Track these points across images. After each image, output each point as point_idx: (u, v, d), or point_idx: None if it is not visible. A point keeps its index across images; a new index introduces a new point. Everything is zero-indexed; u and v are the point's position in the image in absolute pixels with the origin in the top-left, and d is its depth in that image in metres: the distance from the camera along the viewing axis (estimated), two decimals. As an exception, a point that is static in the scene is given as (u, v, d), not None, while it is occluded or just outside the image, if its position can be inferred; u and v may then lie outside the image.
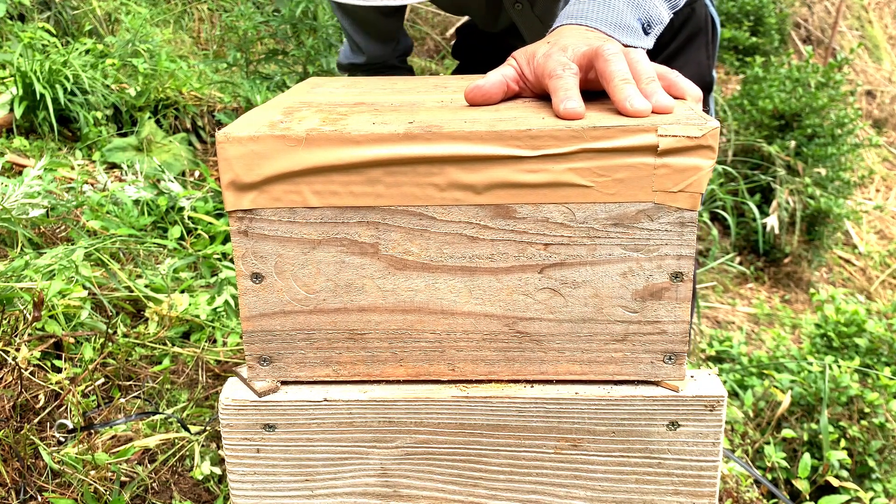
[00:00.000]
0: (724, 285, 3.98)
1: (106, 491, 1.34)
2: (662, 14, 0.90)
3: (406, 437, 0.73)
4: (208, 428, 1.48)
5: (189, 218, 2.32)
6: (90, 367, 1.55)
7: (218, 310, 1.86)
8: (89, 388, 1.53)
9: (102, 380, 1.59)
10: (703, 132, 0.64)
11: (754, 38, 5.85)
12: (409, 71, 1.67)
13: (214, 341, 1.81)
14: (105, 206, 2.29)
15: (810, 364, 2.55)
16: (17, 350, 1.49)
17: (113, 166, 2.72)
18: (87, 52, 3.20)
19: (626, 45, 0.80)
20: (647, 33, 0.87)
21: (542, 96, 0.80)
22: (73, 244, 1.98)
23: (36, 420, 1.45)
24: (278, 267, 0.69)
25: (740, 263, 4.22)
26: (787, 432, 2.24)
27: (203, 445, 1.49)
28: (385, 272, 0.69)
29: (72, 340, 1.64)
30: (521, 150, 0.65)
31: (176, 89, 3.14)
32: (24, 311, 1.60)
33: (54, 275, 1.76)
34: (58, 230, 2.13)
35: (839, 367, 2.54)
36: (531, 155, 0.65)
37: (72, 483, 1.35)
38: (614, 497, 0.74)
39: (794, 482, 1.95)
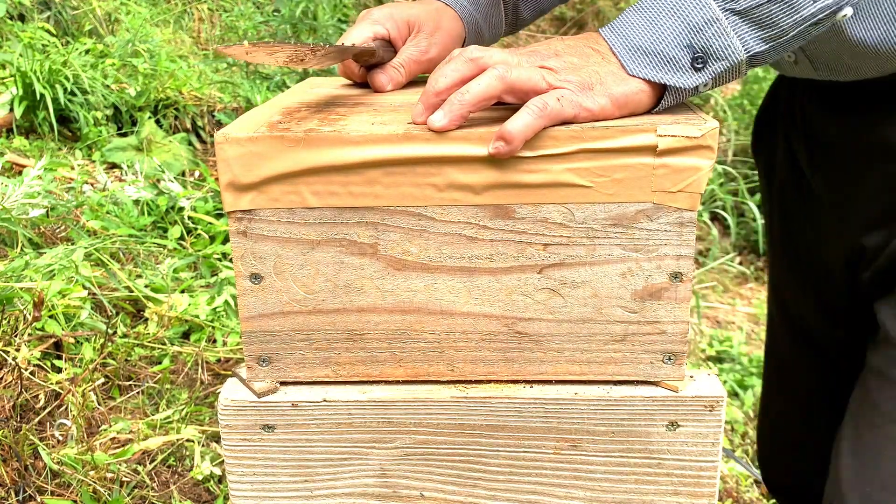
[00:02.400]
0: (724, 285, 3.98)
1: (105, 491, 1.34)
2: (733, 48, 0.65)
3: (405, 438, 0.73)
4: (207, 429, 1.48)
5: (189, 218, 2.32)
6: (90, 367, 1.55)
7: (217, 310, 1.86)
8: (89, 388, 1.53)
9: (102, 380, 1.59)
10: (702, 132, 0.64)
11: (754, 38, 5.83)
12: None
13: (214, 341, 1.81)
14: (105, 206, 2.29)
15: (810, 364, 2.55)
16: (17, 350, 1.49)
17: (113, 166, 2.72)
18: (87, 52, 3.20)
19: (647, 81, 0.66)
20: (697, 68, 0.65)
21: None
22: (73, 244, 1.98)
23: (36, 420, 1.45)
24: (277, 267, 0.69)
25: (740, 263, 4.22)
26: (787, 432, 2.24)
27: (203, 445, 1.49)
28: (384, 272, 0.69)
29: (72, 340, 1.64)
30: (519, 150, 0.65)
31: (176, 89, 3.14)
32: (24, 311, 1.60)
33: (54, 275, 1.76)
34: (58, 230, 2.13)
35: (839, 367, 2.53)
36: (530, 155, 0.65)
37: (71, 483, 1.35)
38: (613, 497, 0.74)
39: (794, 482, 1.95)
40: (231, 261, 2.13)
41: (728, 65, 0.65)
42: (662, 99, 0.68)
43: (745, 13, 0.64)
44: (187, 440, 1.49)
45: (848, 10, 0.65)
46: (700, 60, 0.65)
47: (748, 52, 0.65)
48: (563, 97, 0.64)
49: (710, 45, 0.65)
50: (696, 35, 0.65)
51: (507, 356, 0.72)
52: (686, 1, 0.65)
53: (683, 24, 0.65)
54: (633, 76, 0.66)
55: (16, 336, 1.54)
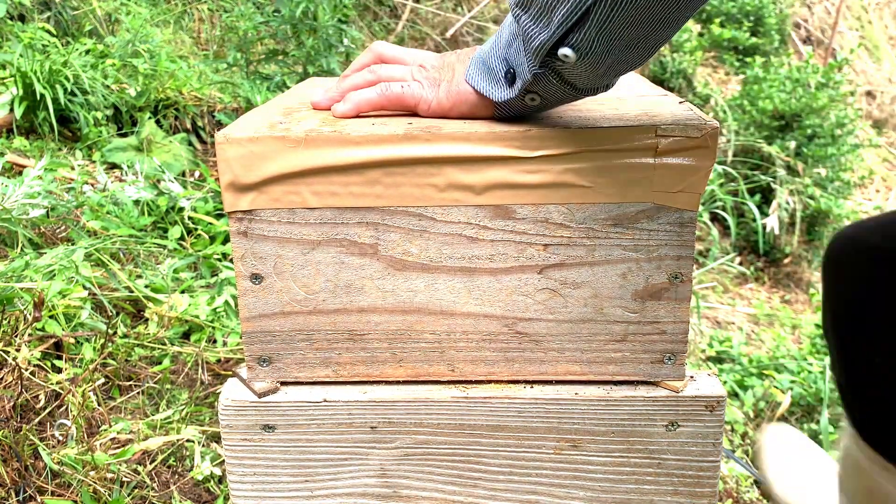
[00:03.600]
0: (724, 285, 3.98)
1: (105, 491, 1.34)
2: (523, 66, 0.64)
3: (405, 438, 0.73)
4: (207, 429, 1.48)
5: (189, 218, 2.32)
6: (90, 367, 1.55)
7: (218, 310, 1.86)
8: (89, 389, 1.53)
9: (102, 380, 1.59)
10: (702, 133, 0.64)
11: (754, 38, 5.86)
12: None
13: (214, 341, 1.81)
14: (105, 206, 2.29)
15: (810, 364, 2.56)
16: (18, 350, 1.49)
17: (113, 166, 2.72)
18: (87, 52, 3.20)
19: (475, 90, 0.68)
20: (509, 82, 0.66)
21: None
22: (73, 244, 1.98)
23: (36, 420, 1.45)
24: (277, 268, 0.69)
25: (740, 264, 4.22)
26: (787, 432, 2.24)
27: (203, 445, 1.49)
28: (384, 273, 0.69)
29: (72, 340, 1.64)
30: (520, 150, 0.65)
31: (176, 89, 3.14)
32: (25, 311, 1.60)
33: (54, 275, 1.76)
34: (58, 230, 2.13)
35: (839, 367, 2.53)
36: (530, 156, 0.65)
37: (71, 483, 1.35)
38: (613, 497, 0.74)
39: (793, 482, 1.95)
40: (231, 261, 2.14)
41: (523, 82, 0.64)
42: (496, 109, 0.69)
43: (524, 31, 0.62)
44: (187, 440, 1.49)
45: (568, 52, 0.59)
46: (510, 74, 0.66)
47: (531, 71, 0.63)
48: (409, 86, 0.71)
49: (512, 60, 0.65)
50: (507, 49, 0.66)
51: (508, 356, 0.72)
52: (512, 14, 0.64)
53: (505, 37, 0.66)
54: (467, 83, 0.69)
55: (16, 336, 1.54)
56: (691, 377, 0.73)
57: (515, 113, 0.69)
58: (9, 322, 1.56)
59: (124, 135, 2.96)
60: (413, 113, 0.72)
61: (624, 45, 0.58)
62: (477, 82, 0.68)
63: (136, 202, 2.35)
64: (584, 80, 0.63)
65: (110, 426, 1.49)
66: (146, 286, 1.90)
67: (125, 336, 1.73)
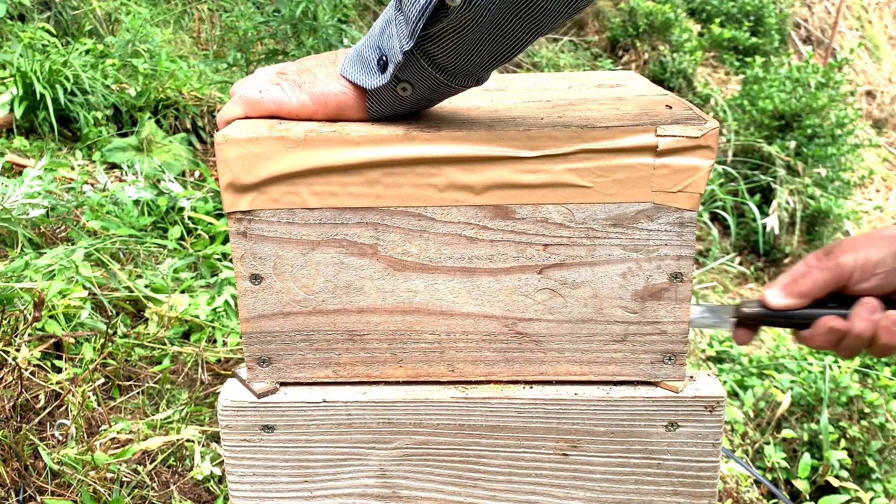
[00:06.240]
0: (724, 285, 3.98)
1: (105, 491, 1.34)
2: (393, 48, 0.64)
3: (405, 438, 0.73)
4: (207, 429, 1.48)
5: (189, 218, 2.32)
6: (90, 367, 1.55)
7: (218, 310, 1.86)
8: (89, 389, 1.53)
9: (102, 380, 1.59)
10: (702, 132, 0.64)
11: (754, 38, 5.86)
12: None
13: (214, 341, 1.81)
14: (105, 206, 2.29)
15: (810, 364, 2.55)
16: (18, 350, 1.49)
17: (113, 166, 2.72)
18: (87, 52, 3.20)
19: (349, 81, 0.68)
20: (381, 69, 0.66)
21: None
22: (73, 244, 1.98)
23: (36, 420, 1.45)
24: (277, 268, 0.69)
25: (740, 264, 4.22)
26: (787, 432, 2.25)
27: (203, 445, 1.49)
28: (384, 273, 0.69)
29: (72, 340, 1.64)
30: (520, 150, 0.65)
31: (176, 89, 3.15)
32: (25, 311, 1.60)
33: (54, 275, 1.76)
34: (58, 230, 2.13)
35: (839, 367, 2.54)
36: (530, 155, 0.65)
37: (71, 483, 1.35)
38: (613, 498, 0.74)
39: (794, 482, 1.96)
40: (231, 261, 2.14)
41: (394, 66, 0.64)
42: (367, 102, 0.69)
43: (401, 9, 0.63)
44: (187, 440, 1.49)
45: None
46: (382, 61, 0.66)
47: (401, 49, 0.63)
48: (267, 91, 0.70)
49: (384, 47, 0.65)
50: (380, 37, 0.66)
51: (508, 356, 0.72)
52: (390, 4, 0.65)
53: (378, 27, 0.67)
54: (341, 76, 0.69)
55: (16, 336, 1.54)
56: (691, 377, 0.73)
57: (388, 109, 0.68)
58: (9, 322, 1.56)
59: (124, 135, 2.96)
60: (278, 117, 0.71)
61: (505, 6, 0.58)
62: (351, 73, 0.68)
63: (136, 202, 2.35)
64: (455, 60, 0.63)
65: (110, 426, 1.49)
66: (146, 286, 1.90)
67: (125, 336, 1.73)
